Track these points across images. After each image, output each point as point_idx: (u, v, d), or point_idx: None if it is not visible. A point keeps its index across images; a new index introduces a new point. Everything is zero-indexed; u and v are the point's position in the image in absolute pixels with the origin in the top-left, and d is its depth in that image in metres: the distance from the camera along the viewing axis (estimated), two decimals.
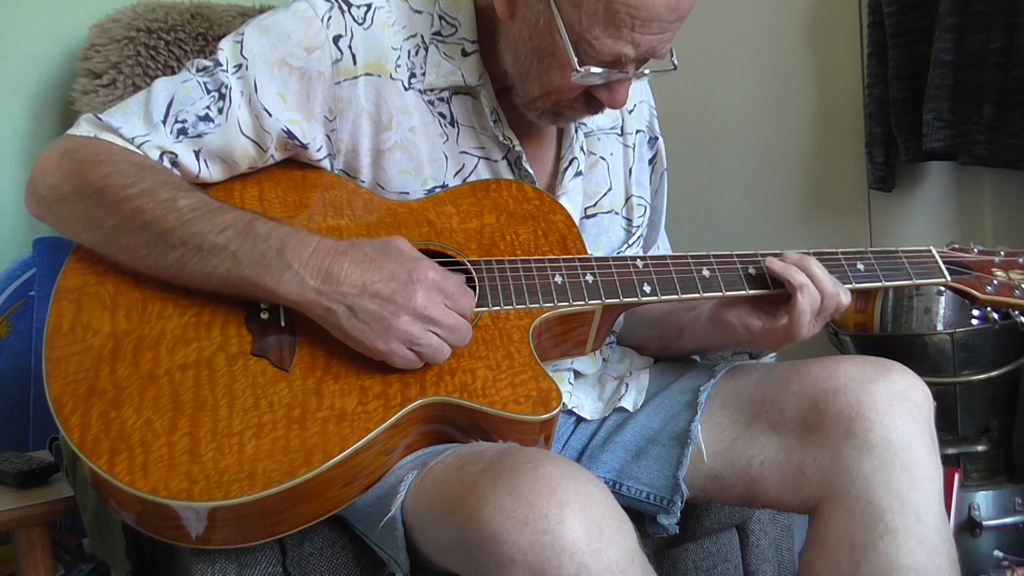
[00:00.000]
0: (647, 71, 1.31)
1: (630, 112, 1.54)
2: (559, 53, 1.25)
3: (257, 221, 1.19)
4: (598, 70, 1.25)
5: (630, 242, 1.52)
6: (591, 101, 1.32)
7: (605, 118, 1.45)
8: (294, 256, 1.15)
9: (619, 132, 1.54)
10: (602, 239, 1.49)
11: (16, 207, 2.02)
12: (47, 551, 1.59)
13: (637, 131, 1.55)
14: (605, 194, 1.50)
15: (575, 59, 1.24)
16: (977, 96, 2.07)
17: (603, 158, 1.50)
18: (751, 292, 1.33)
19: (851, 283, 1.36)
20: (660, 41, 1.24)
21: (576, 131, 1.46)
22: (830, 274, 1.31)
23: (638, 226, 1.53)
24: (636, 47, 1.23)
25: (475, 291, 1.27)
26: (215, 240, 1.17)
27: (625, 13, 1.19)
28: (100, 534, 1.68)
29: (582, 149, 1.47)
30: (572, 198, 1.45)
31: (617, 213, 1.52)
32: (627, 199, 1.53)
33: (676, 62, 1.33)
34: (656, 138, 1.59)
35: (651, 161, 1.59)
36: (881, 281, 1.37)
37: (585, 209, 1.48)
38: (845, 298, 1.32)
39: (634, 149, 1.55)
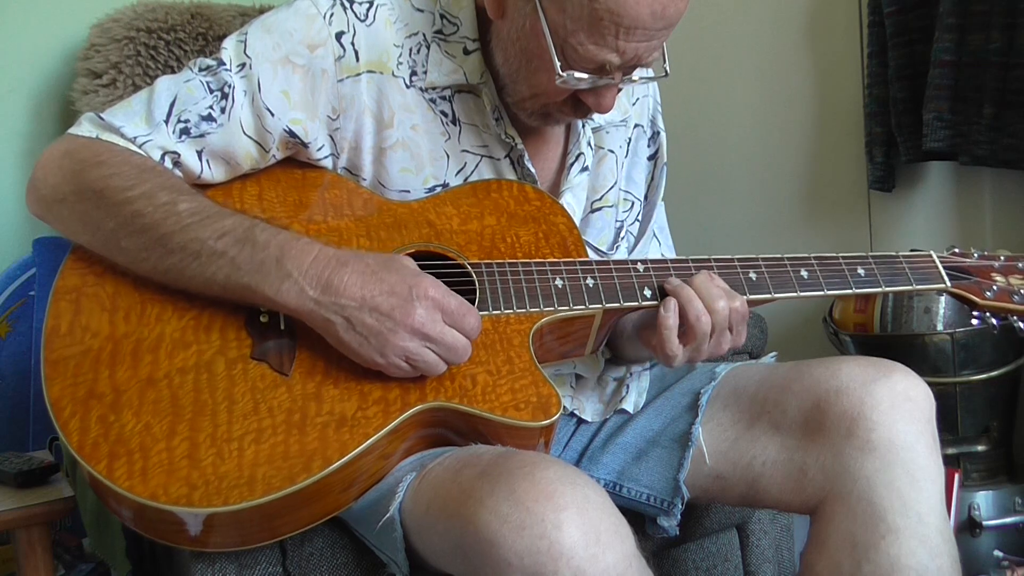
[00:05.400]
0: (636, 77, 1.30)
1: (633, 104, 1.54)
2: (545, 56, 1.24)
3: (257, 227, 1.18)
4: (583, 75, 1.24)
5: (622, 235, 1.52)
6: (579, 105, 1.31)
7: (615, 112, 1.43)
8: (294, 265, 1.15)
9: (628, 125, 1.53)
10: (605, 233, 1.49)
11: (16, 207, 2.02)
12: (47, 551, 1.59)
13: (636, 125, 1.55)
14: (611, 188, 1.50)
15: (559, 63, 1.23)
16: (977, 96, 2.07)
17: (611, 151, 1.50)
18: (751, 296, 1.32)
19: (851, 288, 1.36)
20: (646, 49, 1.23)
21: (583, 126, 1.46)
22: (712, 287, 1.28)
23: (621, 221, 1.53)
24: (621, 54, 1.22)
25: (475, 294, 1.27)
26: (214, 246, 1.17)
27: (609, 20, 1.18)
28: (100, 534, 1.68)
29: (589, 144, 1.47)
30: (576, 194, 1.45)
31: (615, 206, 1.51)
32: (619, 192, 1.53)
33: (668, 68, 1.32)
34: (658, 133, 1.58)
35: (652, 157, 1.58)
36: (881, 286, 1.37)
37: (592, 203, 1.48)
38: (739, 303, 1.29)
39: (630, 143, 1.54)
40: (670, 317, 1.27)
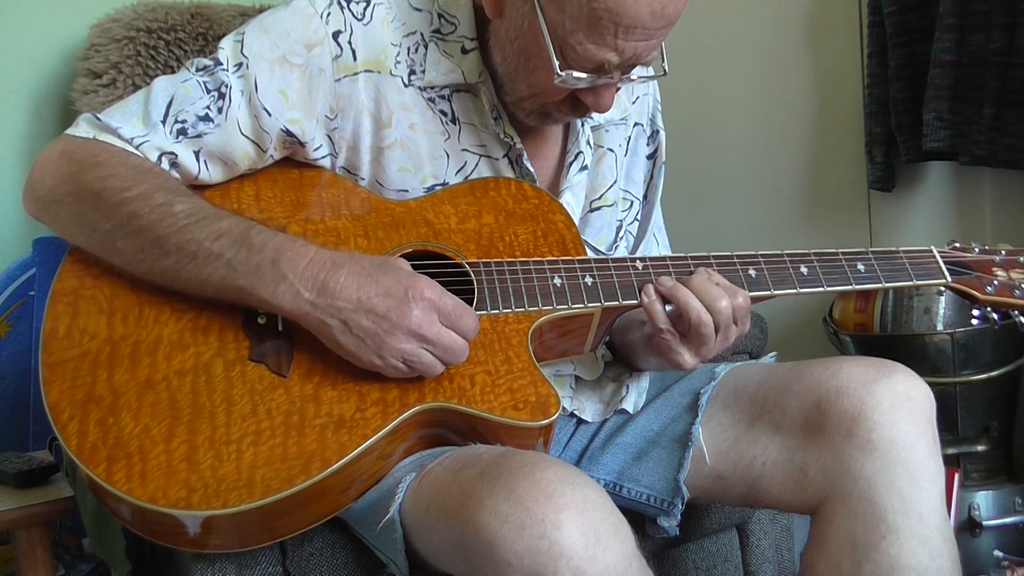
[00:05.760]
0: (635, 76, 1.30)
1: (633, 103, 1.54)
2: (543, 55, 1.24)
3: (253, 229, 1.18)
4: (582, 75, 1.24)
5: (621, 235, 1.52)
6: (577, 104, 1.31)
7: (614, 110, 1.42)
8: (289, 267, 1.15)
9: (627, 124, 1.53)
10: (604, 233, 1.49)
11: (16, 207, 2.00)
12: (47, 551, 1.58)
13: (636, 124, 1.54)
14: (611, 187, 1.49)
15: (557, 63, 1.23)
16: (977, 96, 2.07)
17: (611, 150, 1.50)
18: (751, 294, 1.32)
19: (851, 284, 1.35)
20: (645, 48, 1.22)
21: (582, 125, 1.46)
22: (711, 287, 1.27)
23: (620, 220, 1.52)
24: (620, 53, 1.21)
25: (474, 293, 1.26)
26: (210, 247, 1.16)
27: (608, 19, 1.18)
28: (100, 534, 1.69)
29: (588, 143, 1.47)
30: (576, 193, 1.44)
31: (615, 205, 1.51)
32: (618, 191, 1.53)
33: (667, 67, 1.32)
34: (658, 131, 1.58)
35: (651, 156, 1.57)
36: (882, 282, 1.36)
37: (591, 202, 1.48)
38: (741, 299, 1.29)
39: (629, 142, 1.54)
40: (655, 304, 1.28)
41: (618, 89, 1.33)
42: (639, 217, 1.56)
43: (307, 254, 1.16)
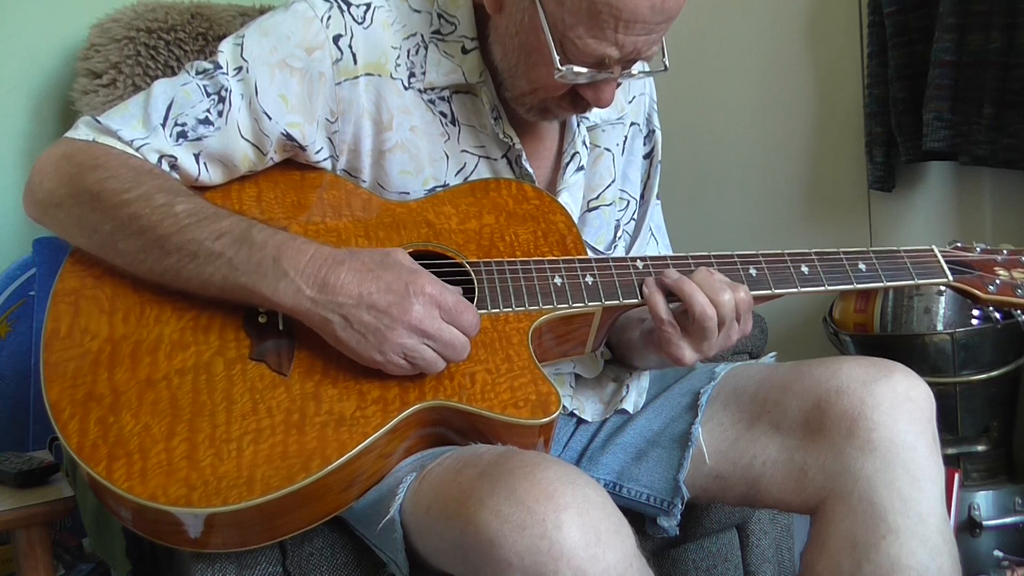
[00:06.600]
0: (635, 72, 1.30)
1: (629, 103, 1.53)
2: (544, 50, 1.24)
3: (254, 228, 1.18)
4: (582, 70, 1.24)
5: (619, 234, 1.52)
6: (577, 100, 1.31)
7: (611, 109, 1.43)
8: (290, 264, 1.15)
9: (624, 123, 1.53)
10: (603, 232, 1.49)
11: (16, 207, 2.00)
12: (47, 551, 1.58)
13: (632, 123, 1.54)
14: (608, 186, 1.49)
15: (557, 57, 1.23)
16: (977, 96, 2.07)
17: (608, 149, 1.50)
18: (752, 293, 1.32)
19: (852, 283, 1.35)
20: (645, 43, 1.22)
21: (578, 125, 1.46)
22: (714, 281, 1.27)
23: (617, 220, 1.52)
24: (620, 48, 1.21)
25: (475, 292, 1.27)
26: (211, 247, 1.16)
27: (608, 13, 1.18)
28: (100, 534, 1.69)
29: (584, 143, 1.47)
30: (573, 193, 1.44)
31: (613, 204, 1.51)
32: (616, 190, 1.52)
33: (667, 63, 1.32)
34: (654, 131, 1.58)
35: (647, 156, 1.57)
36: (883, 281, 1.36)
37: (588, 202, 1.48)
38: (743, 293, 1.28)
39: (626, 141, 1.54)
40: (656, 297, 1.28)
41: (618, 84, 1.33)
42: (635, 217, 1.56)
43: (308, 251, 1.16)
